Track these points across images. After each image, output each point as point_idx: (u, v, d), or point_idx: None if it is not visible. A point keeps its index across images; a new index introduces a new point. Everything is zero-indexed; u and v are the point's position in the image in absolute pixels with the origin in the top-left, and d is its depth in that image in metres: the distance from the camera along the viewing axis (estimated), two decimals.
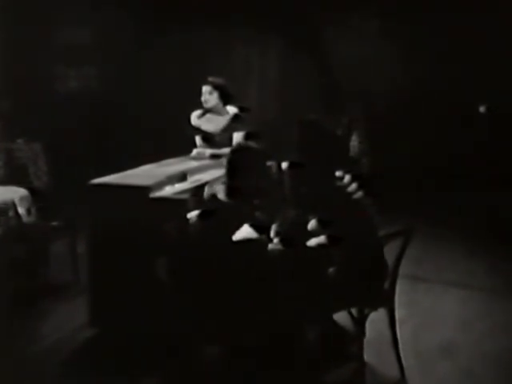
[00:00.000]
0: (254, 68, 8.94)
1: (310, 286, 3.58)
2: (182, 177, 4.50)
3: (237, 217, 3.71)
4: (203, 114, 5.32)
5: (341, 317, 3.97)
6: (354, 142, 8.23)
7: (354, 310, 3.78)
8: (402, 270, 3.83)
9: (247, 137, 4.92)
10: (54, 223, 5.51)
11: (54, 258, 5.52)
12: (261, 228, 3.75)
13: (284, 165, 3.94)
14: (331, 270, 3.63)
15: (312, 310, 3.68)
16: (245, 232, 3.72)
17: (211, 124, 5.28)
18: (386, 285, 3.82)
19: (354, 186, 3.73)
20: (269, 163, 4.10)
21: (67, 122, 7.91)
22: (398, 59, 8.14)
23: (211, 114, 5.30)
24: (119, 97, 8.29)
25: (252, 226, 3.74)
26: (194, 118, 5.34)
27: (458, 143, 7.72)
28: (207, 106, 5.24)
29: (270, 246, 3.71)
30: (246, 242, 3.65)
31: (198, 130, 5.30)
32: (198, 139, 5.33)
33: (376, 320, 3.81)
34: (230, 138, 5.11)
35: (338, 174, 3.76)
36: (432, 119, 7.93)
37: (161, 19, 8.34)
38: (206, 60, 8.13)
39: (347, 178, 3.76)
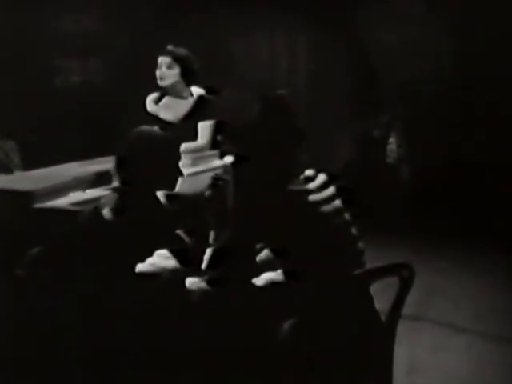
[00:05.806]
0: (280, 61, 8.19)
1: (252, 351, 2.44)
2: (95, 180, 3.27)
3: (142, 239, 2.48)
4: (161, 98, 4.06)
5: None
6: (392, 145, 7.53)
7: None
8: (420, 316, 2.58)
9: (217, 128, 3.75)
10: None
11: None
12: (184, 255, 2.53)
13: (228, 160, 2.69)
14: (287, 323, 2.41)
15: None
16: (157, 259, 2.50)
17: (170, 111, 4.01)
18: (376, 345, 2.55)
19: (329, 191, 2.57)
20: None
21: (44, 119, 7.11)
22: (448, 48, 7.25)
23: (171, 98, 4.03)
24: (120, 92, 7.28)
25: (172, 251, 2.54)
26: (150, 102, 4.08)
27: None
28: (163, 83, 3.97)
29: (192, 282, 2.43)
30: (156, 275, 2.46)
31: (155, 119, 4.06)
32: None
33: None
34: (195, 129, 3.85)
35: (307, 173, 2.64)
36: (487, 119, 6.99)
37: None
38: (227, 46, 7.51)
39: (320, 178, 2.59)
